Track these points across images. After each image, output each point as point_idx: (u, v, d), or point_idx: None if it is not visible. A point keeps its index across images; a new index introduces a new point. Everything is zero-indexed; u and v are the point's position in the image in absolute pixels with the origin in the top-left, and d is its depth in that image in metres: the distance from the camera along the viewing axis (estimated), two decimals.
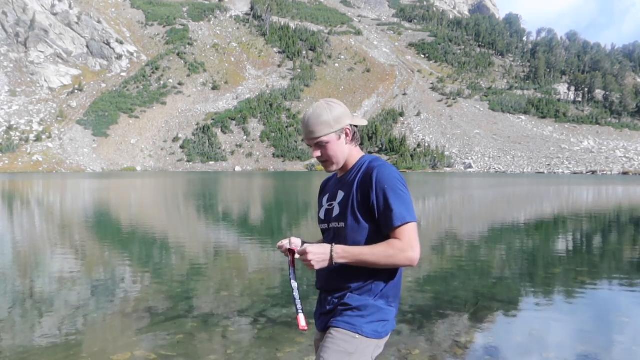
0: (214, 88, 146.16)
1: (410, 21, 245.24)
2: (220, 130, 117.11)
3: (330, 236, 2.00)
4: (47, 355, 4.03)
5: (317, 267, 1.83)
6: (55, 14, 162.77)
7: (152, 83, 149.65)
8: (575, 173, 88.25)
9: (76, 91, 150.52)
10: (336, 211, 1.97)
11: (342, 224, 1.94)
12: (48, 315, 5.15)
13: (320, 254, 1.82)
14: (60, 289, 6.25)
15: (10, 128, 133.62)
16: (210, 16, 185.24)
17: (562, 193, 29.08)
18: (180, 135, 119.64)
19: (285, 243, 1.99)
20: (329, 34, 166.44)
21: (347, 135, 1.97)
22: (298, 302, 1.91)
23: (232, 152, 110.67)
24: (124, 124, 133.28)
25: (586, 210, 18.23)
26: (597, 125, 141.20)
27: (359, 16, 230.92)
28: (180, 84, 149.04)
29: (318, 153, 1.97)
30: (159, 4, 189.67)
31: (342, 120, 1.95)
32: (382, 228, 1.88)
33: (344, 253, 1.83)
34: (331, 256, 1.82)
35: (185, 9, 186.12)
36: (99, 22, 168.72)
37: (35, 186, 37.17)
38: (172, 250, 9.35)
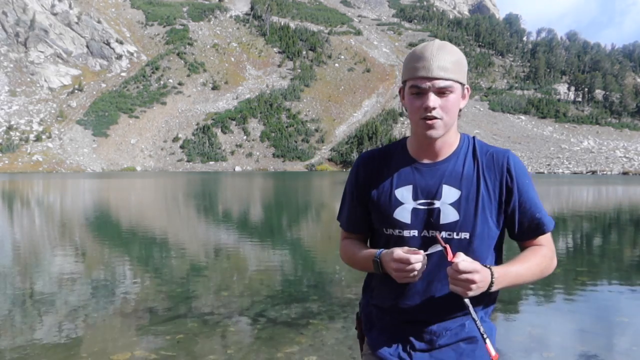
0: (214, 88, 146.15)
1: (410, 21, 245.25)
2: (220, 130, 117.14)
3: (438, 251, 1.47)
4: (47, 355, 4.03)
5: (473, 294, 1.32)
6: (55, 14, 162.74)
7: (152, 83, 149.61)
8: (575, 173, 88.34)
9: (76, 91, 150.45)
10: (451, 215, 1.43)
11: (465, 234, 1.43)
12: (48, 315, 5.15)
13: (485, 278, 1.33)
14: (60, 289, 6.25)
15: (10, 128, 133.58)
16: (210, 16, 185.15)
17: (562, 193, 29.08)
18: (180, 135, 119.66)
19: (416, 256, 1.38)
20: (329, 34, 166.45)
21: (464, 96, 1.47)
22: (479, 323, 1.42)
23: (232, 152, 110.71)
24: (124, 124, 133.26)
25: (586, 210, 18.22)
26: (597, 125, 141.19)
27: (359, 16, 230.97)
28: (180, 84, 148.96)
29: (433, 101, 1.38)
30: (159, 4, 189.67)
31: (465, 74, 1.46)
32: (517, 234, 1.50)
33: (504, 277, 1.37)
34: (491, 283, 1.34)
35: (185, 9, 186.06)
36: (99, 22, 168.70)
37: (35, 186, 37.17)
38: (172, 250, 9.35)
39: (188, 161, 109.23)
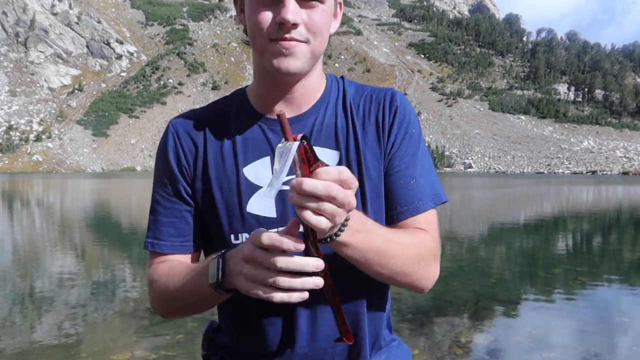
0: (214, 88, 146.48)
1: (410, 21, 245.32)
2: None
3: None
4: (47, 355, 4.03)
5: (325, 227, 0.70)
6: (55, 14, 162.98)
7: (152, 83, 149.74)
8: (575, 173, 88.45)
9: (76, 91, 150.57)
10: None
11: None
12: (48, 315, 5.15)
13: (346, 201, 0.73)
14: (60, 289, 6.25)
15: (10, 128, 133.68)
16: (210, 16, 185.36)
17: (562, 193, 29.10)
18: None
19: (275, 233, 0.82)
20: None
21: (336, 15, 0.98)
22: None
23: None
24: (124, 124, 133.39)
25: (586, 210, 18.24)
26: (597, 125, 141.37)
27: (359, 16, 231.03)
28: (180, 84, 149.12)
29: (293, 13, 0.86)
30: (159, 4, 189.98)
31: None
32: (391, 209, 1.00)
33: (362, 224, 0.81)
34: (345, 221, 0.76)
35: (185, 9, 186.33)
36: (99, 22, 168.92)
37: (35, 186, 37.17)
38: None
39: None
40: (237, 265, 0.76)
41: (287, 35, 0.87)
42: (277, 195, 0.77)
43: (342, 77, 1.09)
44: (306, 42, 0.89)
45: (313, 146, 0.76)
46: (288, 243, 0.70)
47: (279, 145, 0.69)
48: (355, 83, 1.07)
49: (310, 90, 0.99)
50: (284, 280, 0.72)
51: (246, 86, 1.04)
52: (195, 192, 0.99)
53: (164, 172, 0.99)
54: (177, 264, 0.97)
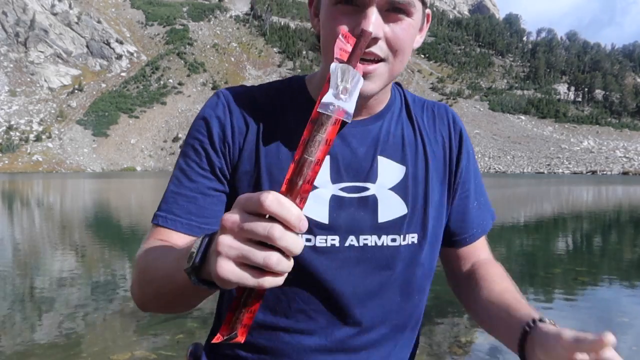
0: (214, 88, 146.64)
1: None
2: None
3: (361, 266, 0.86)
4: (47, 355, 4.03)
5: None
6: (55, 14, 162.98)
7: (152, 83, 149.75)
8: (575, 173, 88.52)
9: (76, 91, 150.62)
10: (396, 207, 0.88)
11: (414, 237, 0.90)
12: (48, 315, 5.15)
13: None
14: (60, 289, 6.25)
15: (10, 128, 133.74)
16: (210, 16, 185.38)
17: (562, 193, 29.12)
18: (180, 135, 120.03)
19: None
20: None
21: (422, 28, 0.90)
22: None
23: None
24: (123, 124, 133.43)
25: (586, 210, 18.24)
26: (597, 125, 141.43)
27: None
28: (180, 84, 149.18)
29: (376, 25, 0.75)
30: (159, 4, 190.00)
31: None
32: (456, 234, 1.00)
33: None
34: None
35: (185, 9, 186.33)
36: (98, 22, 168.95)
37: (35, 186, 37.20)
38: None
39: None
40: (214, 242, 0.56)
41: (366, 50, 0.75)
42: (331, 201, 0.83)
43: (398, 84, 1.01)
44: (385, 60, 0.80)
45: (382, 157, 0.84)
46: (298, 216, 0.52)
47: (341, 65, 0.59)
48: (408, 91, 1.01)
49: (380, 98, 0.91)
50: (279, 258, 0.52)
51: (305, 75, 0.97)
52: (237, 175, 0.86)
53: (202, 141, 0.85)
54: (169, 244, 0.81)
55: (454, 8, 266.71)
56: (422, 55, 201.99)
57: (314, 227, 0.83)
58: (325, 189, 0.84)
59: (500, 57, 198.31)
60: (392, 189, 0.86)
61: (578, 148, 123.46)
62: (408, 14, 0.78)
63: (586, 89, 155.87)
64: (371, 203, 0.85)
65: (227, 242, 0.52)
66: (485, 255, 1.05)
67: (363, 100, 0.84)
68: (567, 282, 6.66)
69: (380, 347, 0.88)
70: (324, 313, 0.84)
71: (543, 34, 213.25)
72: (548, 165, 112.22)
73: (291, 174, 0.52)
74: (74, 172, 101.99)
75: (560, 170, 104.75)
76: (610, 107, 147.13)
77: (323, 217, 0.83)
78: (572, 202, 22.65)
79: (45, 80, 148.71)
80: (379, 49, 0.77)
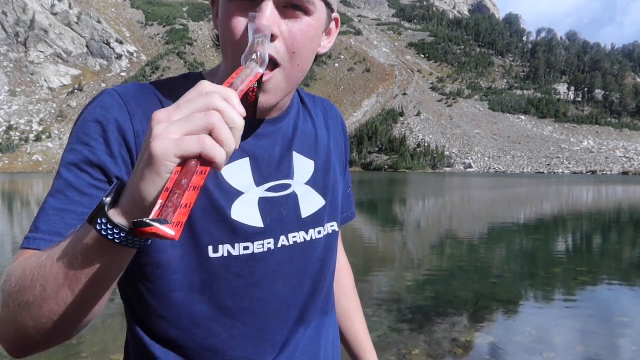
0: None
1: (410, 21, 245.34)
2: None
3: (294, 265, 0.83)
4: (47, 355, 4.03)
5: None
6: (55, 14, 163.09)
7: None
8: (575, 173, 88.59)
9: (76, 91, 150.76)
10: (315, 201, 0.87)
11: (333, 225, 0.91)
12: None
13: None
14: None
15: (10, 128, 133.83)
16: (210, 16, 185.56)
17: (562, 193, 29.13)
18: None
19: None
20: None
21: (330, 32, 0.82)
22: None
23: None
24: None
25: (586, 210, 18.25)
26: (597, 125, 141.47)
27: (358, 16, 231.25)
28: None
29: (271, 21, 0.68)
30: (159, 4, 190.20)
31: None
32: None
33: None
34: None
35: (185, 9, 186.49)
36: (98, 22, 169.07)
37: (35, 186, 37.19)
38: None
39: None
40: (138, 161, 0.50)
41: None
42: (260, 204, 0.78)
43: (305, 93, 0.98)
44: (280, 65, 0.72)
45: (296, 152, 0.84)
46: (236, 100, 0.50)
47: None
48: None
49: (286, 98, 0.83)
50: (220, 117, 0.48)
51: (201, 72, 0.88)
52: None
53: (95, 148, 0.69)
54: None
55: (454, 8, 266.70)
56: (422, 55, 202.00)
57: (252, 234, 0.77)
58: (251, 193, 0.78)
59: (500, 57, 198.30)
60: (307, 183, 0.86)
61: (578, 148, 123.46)
62: (307, 12, 0.72)
63: (586, 89, 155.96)
64: (292, 200, 0.83)
65: (162, 126, 0.48)
66: (342, 258, 1.07)
67: (262, 113, 0.80)
68: (567, 282, 6.66)
69: (319, 335, 0.88)
70: (274, 326, 0.80)
71: (543, 34, 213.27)
72: (548, 165, 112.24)
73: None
74: None
75: (560, 171, 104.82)
76: (610, 107, 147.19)
77: (257, 222, 0.78)
78: (572, 203, 22.65)
79: (45, 80, 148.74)
80: (275, 50, 0.70)
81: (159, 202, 0.45)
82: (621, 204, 21.73)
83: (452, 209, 19.06)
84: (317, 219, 0.85)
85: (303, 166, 0.86)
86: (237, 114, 0.49)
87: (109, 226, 0.50)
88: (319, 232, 0.86)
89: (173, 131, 0.47)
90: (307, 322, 0.85)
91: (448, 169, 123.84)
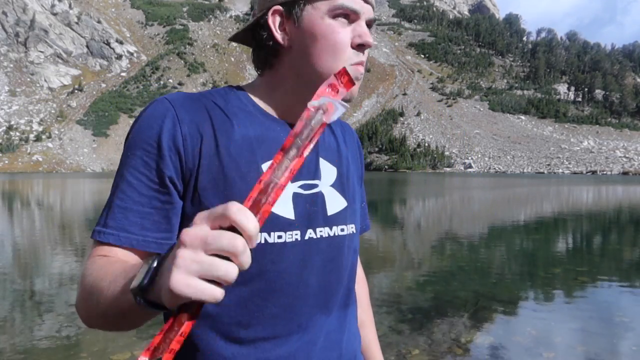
0: (214, 88, 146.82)
1: (410, 21, 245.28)
2: None
3: (319, 256, 0.90)
4: (47, 355, 4.03)
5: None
6: (55, 14, 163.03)
7: (152, 83, 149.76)
8: (575, 173, 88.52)
9: (76, 91, 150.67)
10: (338, 202, 0.95)
11: (353, 227, 0.98)
12: (48, 315, 5.15)
13: None
14: (60, 289, 6.25)
15: (10, 128, 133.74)
16: (210, 16, 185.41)
17: (562, 193, 29.12)
18: None
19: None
20: None
21: None
22: None
23: None
24: (123, 123, 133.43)
25: (586, 210, 18.24)
26: (597, 125, 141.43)
27: None
28: (180, 84, 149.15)
29: (368, 40, 0.86)
30: (159, 4, 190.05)
31: None
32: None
33: None
34: None
35: (185, 9, 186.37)
36: (98, 22, 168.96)
37: (35, 186, 37.18)
38: None
39: None
40: (169, 258, 0.53)
41: (363, 59, 0.86)
42: (293, 198, 0.87)
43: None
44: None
45: (322, 158, 0.94)
46: (258, 232, 0.50)
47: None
48: None
49: None
50: (235, 270, 0.50)
51: (237, 86, 0.96)
52: (196, 187, 0.82)
53: (150, 152, 0.80)
54: (117, 261, 0.77)
55: (454, 8, 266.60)
56: (422, 55, 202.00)
57: (285, 225, 0.85)
58: (287, 187, 0.77)
59: (500, 57, 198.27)
60: (332, 185, 0.94)
61: (578, 148, 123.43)
62: (370, 25, 0.88)
63: (586, 89, 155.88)
64: (320, 198, 0.91)
65: (188, 255, 0.50)
66: (359, 269, 1.15)
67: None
68: (567, 282, 6.66)
69: (342, 326, 0.95)
70: (300, 309, 0.87)
71: (543, 34, 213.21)
72: (548, 165, 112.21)
73: (258, 193, 0.50)
74: (73, 172, 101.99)
75: (560, 170, 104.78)
76: (610, 107, 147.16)
77: (290, 214, 0.87)
78: (572, 203, 22.64)
79: (45, 80, 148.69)
80: (365, 57, 0.87)
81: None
82: (621, 204, 21.73)
83: (452, 209, 19.06)
84: (340, 218, 0.94)
85: (328, 171, 0.95)
86: (249, 260, 0.50)
87: (146, 304, 0.58)
88: (342, 230, 0.94)
89: (195, 268, 0.49)
90: (329, 310, 0.91)
91: (448, 169, 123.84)
